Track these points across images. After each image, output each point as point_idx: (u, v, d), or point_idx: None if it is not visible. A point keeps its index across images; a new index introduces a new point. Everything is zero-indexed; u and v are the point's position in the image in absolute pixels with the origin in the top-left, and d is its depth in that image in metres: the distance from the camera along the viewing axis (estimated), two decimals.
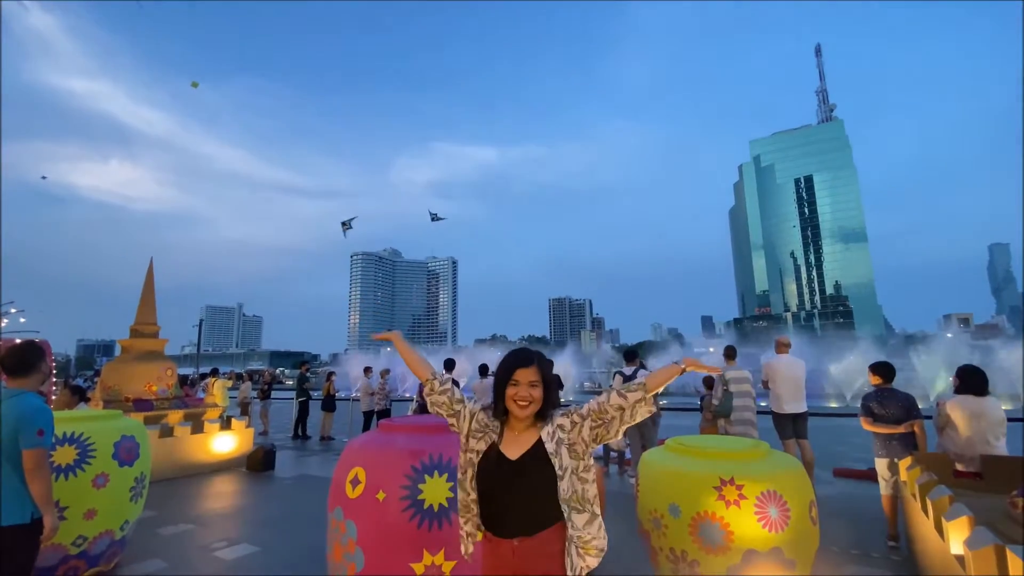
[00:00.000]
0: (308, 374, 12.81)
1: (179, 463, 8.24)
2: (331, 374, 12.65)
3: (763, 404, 6.87)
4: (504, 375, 1.80)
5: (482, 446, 1.80)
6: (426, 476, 2.65)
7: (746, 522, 2.97)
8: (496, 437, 1.80)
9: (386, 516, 2.58)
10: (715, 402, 6.61)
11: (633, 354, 7.36)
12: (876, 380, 4.67)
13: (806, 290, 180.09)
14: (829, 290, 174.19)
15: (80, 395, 7.38)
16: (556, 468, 1.71)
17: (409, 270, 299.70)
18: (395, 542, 2.55)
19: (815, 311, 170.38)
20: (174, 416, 8.77)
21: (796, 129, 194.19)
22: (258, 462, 8.52)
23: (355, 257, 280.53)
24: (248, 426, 9.80)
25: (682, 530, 3.13)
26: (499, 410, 1.81)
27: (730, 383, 6.52)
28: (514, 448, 1.77)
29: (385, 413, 10.41)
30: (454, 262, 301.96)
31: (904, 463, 4.07)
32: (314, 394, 12.91)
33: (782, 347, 6.51)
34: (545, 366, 1.82)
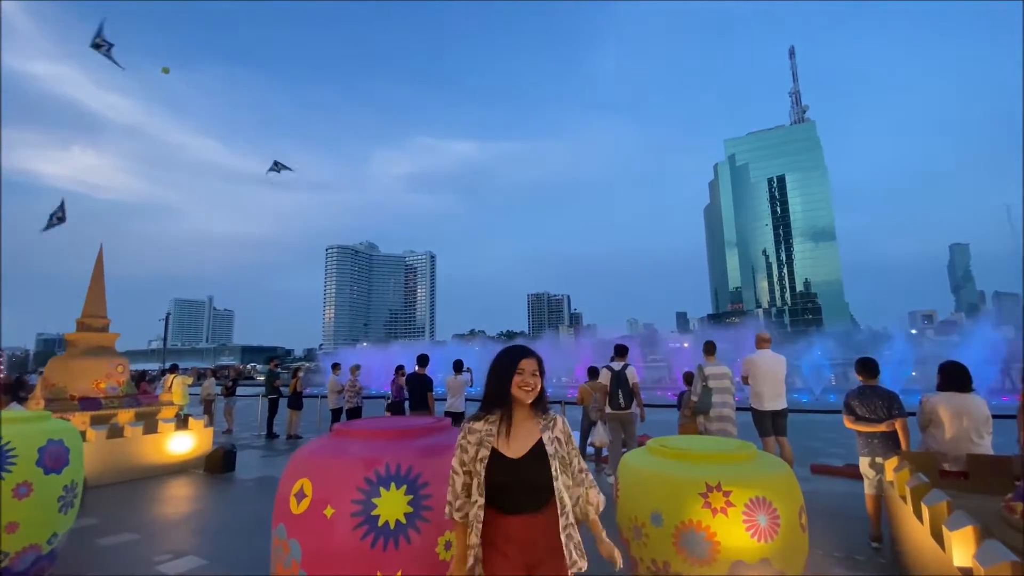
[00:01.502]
0: (278, 370, 12.27)
1: (130, 466, 7.69)
2: (297, 370, 12.14)
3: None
4: (510, 365, 1.95)
5: (485, 453, 1.89)
6: (382, 489, 2.33)
7: (734, 531, 2.75)
8: (494, 440, 1.91)
9: (334, 535, 2.25)
10: (694, 398, 6.45)
11: (623, 349, 7.17)
12: (860, 377, 4.54)
13: (777, 287, 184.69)
14: (799, 287, 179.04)
15: (12, 394, 6.76)
16: (552, 469, 1.89)
17: (386, 264, 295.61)
18: (344, 564, 2.23)
19: (785, 308, 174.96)
20: (124, 415, 8.21)
21: (770, 129, 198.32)
22: (217, 463, 8.04)
23: (330, 250, 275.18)
24: (208, 425, 9.27)
25: (665, 540, 2.89)
26: (503, 399, 1.95)
27: (709, 379, 6.37)
28: (515, 445, 1.91)
29: (356, 412, 9.99)
30: (432, 256, 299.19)
31: (891, 463, 3.94)
32: (285, 390, 12.39)
33: (762, 342, 6.38)
34: (541, 362, 2.03)
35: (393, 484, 2.34)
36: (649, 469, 3.13)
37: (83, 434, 7.48)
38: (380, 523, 2.27)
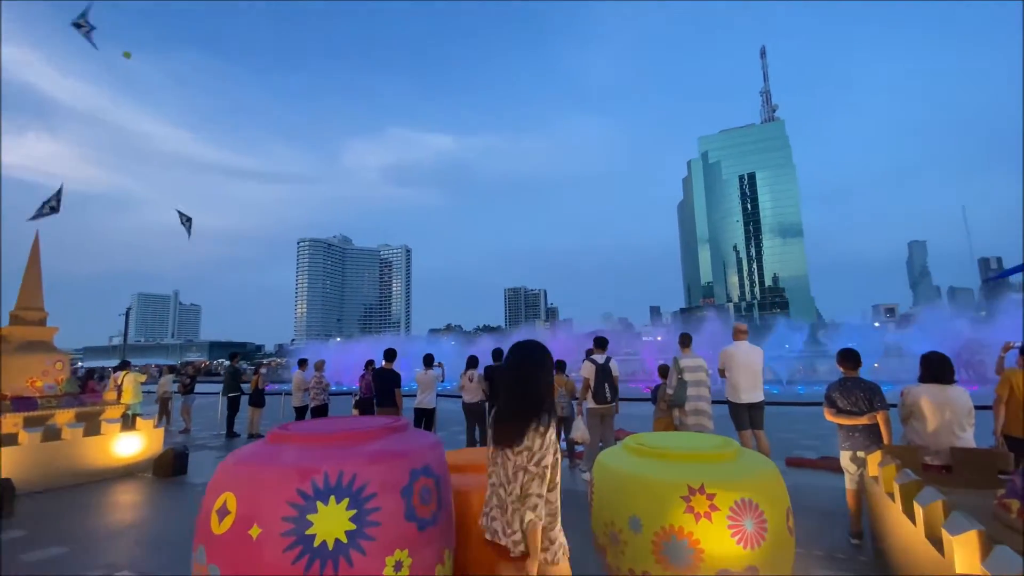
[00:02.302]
0: (240, 366, 11.66)
1: (69, 470, 7.09)
2: (259, 366, 11.57)
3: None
4: (549, 363, 2.13)
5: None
6: (319, 503, 1.99)
7: (718, 537, 2.51)
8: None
9: (261, 559, 1.91)
10: (669, 391, 6.26)
11: (603, 341, 6.93)
12: (842, 368, 4.39)
13: (747, 282, 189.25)
14: (768, 282, 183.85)
15: None
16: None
17: (360, 258, 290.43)
18: None
19: (755, 302, 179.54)
20: (63, 416, 7.57)
21: (741, 128, 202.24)
22: (167, 466, 7.49)
23: (302, 244, 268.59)
24: (161, 425, 8.68)
25: (644, 547, 2.64)
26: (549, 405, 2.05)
27: (685, 371, 6.18)
28: None
29: (321, 410, 9.52)
30: (408, 250, 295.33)
31: (874, 457, 3.79)
32: (247, 387, 11.78)
33: (739, 334, 6.23)
34: None
35: (333, 497, 2.00)
36: (626, 470, 2.87)
37: (15, 436, 6.86)
38: (316, 543, 1.93)
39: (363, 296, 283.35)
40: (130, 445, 7.86)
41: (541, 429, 1.91)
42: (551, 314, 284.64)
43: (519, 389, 2.01)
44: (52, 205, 11.62)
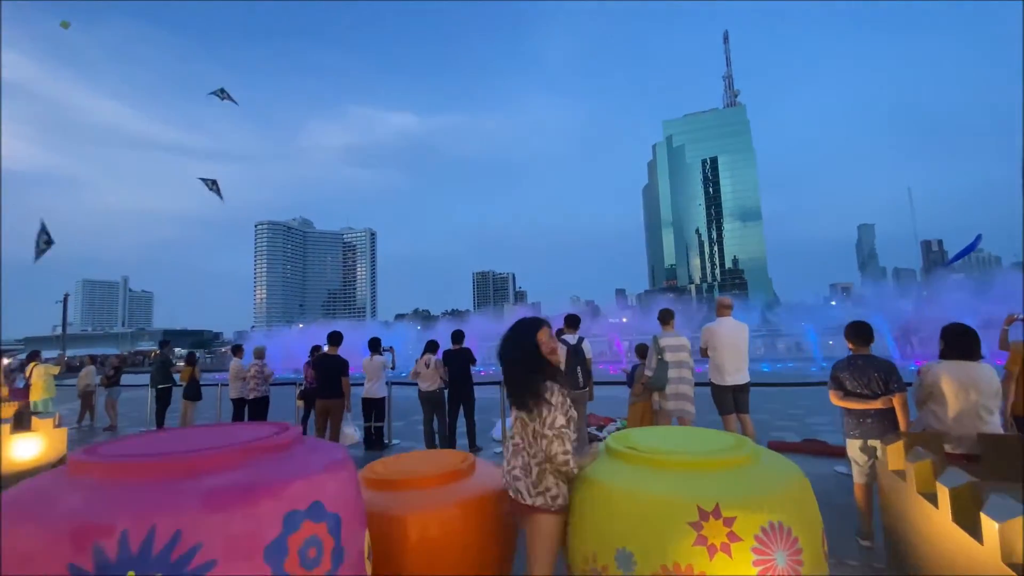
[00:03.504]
0: (171, 354, 10.43)
1: None
2: (192, 354, 10.37)
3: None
4: (532, 337, 2.24)
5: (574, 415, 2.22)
6: None
7: None
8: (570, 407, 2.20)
9: None
10: (648, 373, 5.63)
11: (575, 320, 6.23)
12: (851, 345, 3.81)
13: (708, 264, 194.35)
14: (728, 264, 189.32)
15: None
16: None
17: (322, 241, 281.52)
18: None
19: (715, 283, 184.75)
20: None
21: (704, 112, 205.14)
22: None
23: (260, 227, 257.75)
24: (82, 423, 7.49)
25: None
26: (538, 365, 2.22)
27: (666, 351, 5.55)
28: None
29: (261, 403, 8.50)
30: (372, 233, 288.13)
31: (894, 447, 3.21)
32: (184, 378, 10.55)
33: (723, 309, 5.63)
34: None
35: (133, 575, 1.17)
36: (613, 484, 2.13)
37: None
38: None
39: (326, 281, 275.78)
40: (24, 449, 6.69)
41: (547, 395, 2.11)
42: (519, 297, 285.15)
43: (513, 359, 2.25)
44: (46, 240, 11.67)
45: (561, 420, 2.09)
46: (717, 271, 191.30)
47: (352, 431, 6.22)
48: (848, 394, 3.67)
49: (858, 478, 3.69)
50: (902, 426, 3.47)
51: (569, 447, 2.09)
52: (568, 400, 2.16)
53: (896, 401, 3.48)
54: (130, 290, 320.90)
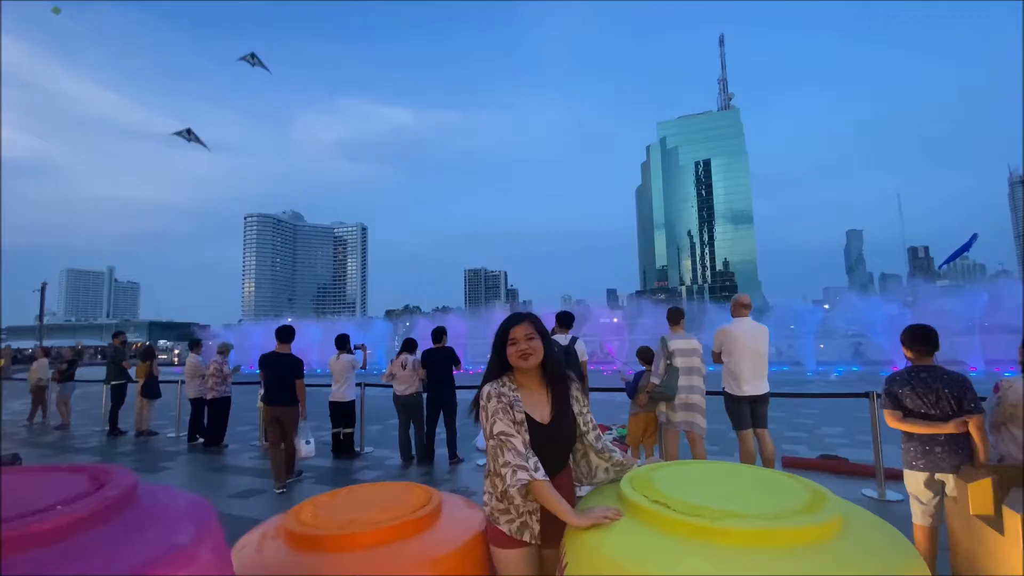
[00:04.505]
0: (124, 347, 9.55)
1: None
2: (150, 348, 9.51)
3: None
4: (501, 338, 1.88)
5: (522, 416, 1.79)
6: None
7: None
8: (521, 405, 1.81)
9: None
10: (655, 380, 4.92)
11: (567, 318, 5.45)
12: (911, 353, 3.11)
13: (699, 266, 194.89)
14: (719, 266, 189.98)
15: None
16: (582, 424, 1.91)
17: (313, 235, 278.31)
18: None
19: (706, 285, 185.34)
20: None
21: (699, 114, 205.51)
22: None
23: (249, 219, 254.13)
24: (33, 420, 6.63)
25: None
26: (502, 369, 1.89)
27: (676, 355, 4.85)
28: (538, 410, 1.83)
29: (221, 404, 7.68)
30: (364, 228, 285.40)
31: (980, 486, 2.52)
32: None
33: (741, 308, 4.92)
34: (537, 322, 1.90)
35: None
36: (634, 564, 1.40)
37: None
38: None
39: (316, 275, 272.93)
40: None
41: (482, 401, 1.85)
42: (511, 295, 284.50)
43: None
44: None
45: (500, 425, 1.73)
46: (708, 273, 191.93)
47: (305, 444, 5.41)
48: (909, 414, 2.98)
49: (920, 519, 3.00)
50: (981, 457, 2.78)
51: (513, 458, 1.67)
52: (510, 398, 1.79)
53: (973, 425, 2.79)
54: (116, 280, 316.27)
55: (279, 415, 5.30)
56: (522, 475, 1.65)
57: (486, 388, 1.85)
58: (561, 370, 1.93)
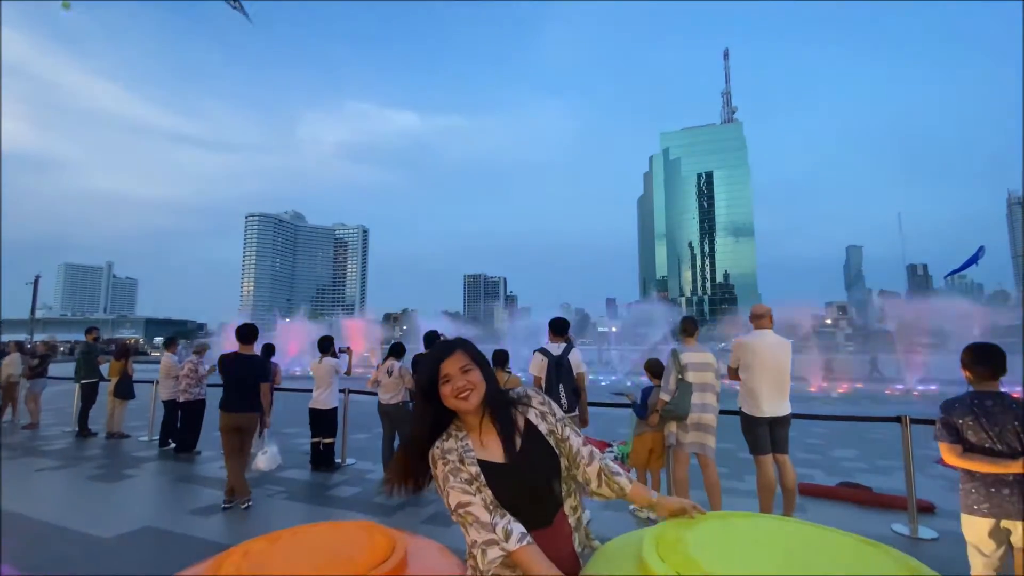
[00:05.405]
0: (97, 344, 9.07)
1: None
2: (125, 345, 9.03)
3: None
4: (430, 377, 1.48)
5: (475, 468, 1.41)
6: None
7: None
8: (472, 454, 1.44)
9: None
10: (665, 397, 4.45)
11: (562, 326, 4.92)
12: (971, 376, 2.65)
13: (699, 277, 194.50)
14: (719, 279, 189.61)
15: None
16: (553, 445, 1.50)
17: (314, 236, 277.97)
18: None
19: (705, 297, 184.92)
20: None
21: (702, 126, 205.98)
22: None
23: (250, 218, 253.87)
24: (3, 419, 6.14)
25: None
26: (442, 421, 1.50)
27: (688, 369, 4.39)
28: (495, 450, 1.45)
29: (195, 407, 7.19)
30: (365, 231, 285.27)
31: None
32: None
33: (761, 319, 4.46)
34: (470, 348, 1.52)
35: None
36: None
37: None
38: None
39: (316, 276, 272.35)
40: None
41: (432, 467, 1.46)
42: (510, 301, 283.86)
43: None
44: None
45: (455, 495, 1.36)
46: (708, 285, 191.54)
47: (262, 455, 4.90)
48: (971, 448, 2.52)
49: (980, 570, 2.53)
50: None
51: (478, 534, 1.32)
52: (459, 451, 1.41)
53: None
54: (114, 276, 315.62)
55: (240, 423, 4.78)
56: (492, 553, 1.30)
57: (432, 451, 1.45)
58: (502, 397, 1.52)
